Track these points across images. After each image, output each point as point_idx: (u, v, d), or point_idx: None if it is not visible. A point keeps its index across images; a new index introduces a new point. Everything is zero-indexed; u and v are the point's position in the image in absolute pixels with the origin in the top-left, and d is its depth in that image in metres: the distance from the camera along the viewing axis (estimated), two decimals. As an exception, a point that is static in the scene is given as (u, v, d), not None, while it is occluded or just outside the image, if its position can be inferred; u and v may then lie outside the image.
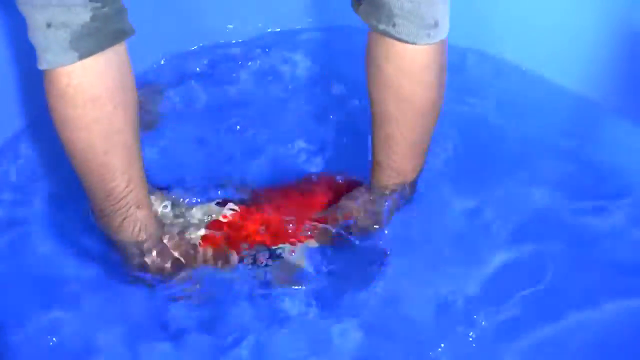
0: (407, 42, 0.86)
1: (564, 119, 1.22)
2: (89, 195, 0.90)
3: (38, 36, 0.81)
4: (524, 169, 1.12)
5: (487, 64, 1.25)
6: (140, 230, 0.92)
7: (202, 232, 0.99)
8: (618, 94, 1.19)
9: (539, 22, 1.20)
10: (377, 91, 0.92)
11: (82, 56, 0.81)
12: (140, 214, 0.91)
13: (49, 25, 0.80)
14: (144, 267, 0.95)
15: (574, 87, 1.21)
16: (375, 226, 1.01)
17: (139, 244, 0.93)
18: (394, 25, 0.85)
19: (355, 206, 1.01)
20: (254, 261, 0.99)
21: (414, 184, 1.01)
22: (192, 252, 0.98)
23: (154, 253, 0.94)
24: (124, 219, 0.90)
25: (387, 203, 1.00)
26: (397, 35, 0.86)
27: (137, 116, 0.88)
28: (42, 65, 0.82)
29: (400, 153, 0.96)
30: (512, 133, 1.17)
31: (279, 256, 1.00)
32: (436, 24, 0.85)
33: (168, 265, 0.95)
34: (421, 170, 1.00)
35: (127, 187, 0.89)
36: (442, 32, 0.86)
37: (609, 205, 1.09)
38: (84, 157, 0.87)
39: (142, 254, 0.94)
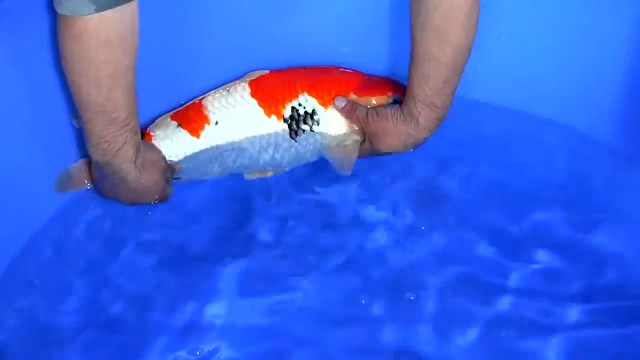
0: None
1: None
2: (88, 125, 1.00)
3: None
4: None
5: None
6: (137, 150, 1.04)
7: None
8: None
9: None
10: (421, 35, 1.05)
11: (99, 9, 0.90)
12: (137, 138, 1.04)
13: None
14: (138, 185, 1.07)
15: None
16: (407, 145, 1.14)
17: (135, 162, 1.05)
18: None
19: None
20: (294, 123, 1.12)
21: (439, 124, 1.12)
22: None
23: (148, 168, 1.07)
24: (125, 142, 1.02)
25: (421, 135, 1.11)
26: None
27: (136, 55, 0.98)
28: (60, 10, 0.91)
29: (434, 89, 1.07)
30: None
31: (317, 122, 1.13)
32: None
33: (158, 177, 1.09)
34: (447, 113, 1.11)
35: (127, 117, 1.01)
36: None
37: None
38: (90, 91, 0.97)
39: (138, 171, 1.06)
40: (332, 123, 1.14)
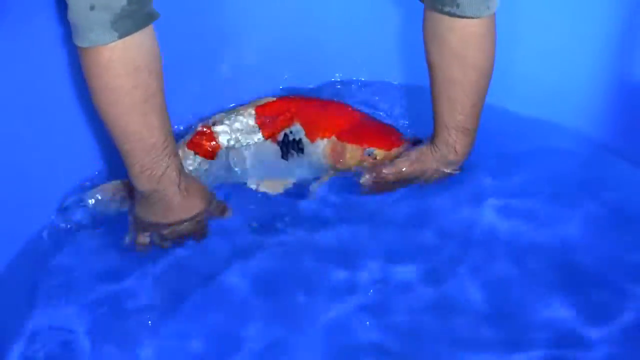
0: (471, 17, 0.98)
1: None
2: (129, 158, 1.01)
3: (81, 18, 0.92)
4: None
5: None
6: (179, 173, 1.04)
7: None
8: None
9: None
10: (441, 59, 1.04)
11: (122, 35, 0.93)
12: (177, 161, 1.04)
13: (92, 8, 0.91)
14: (182, 210, 1.06)
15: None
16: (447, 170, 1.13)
17: (179, 186, 1.04)
18: (457, 5, 0.97)
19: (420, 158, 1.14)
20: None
21: (472, 145, 1.12)
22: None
23: (193, 193, 1.07)
24: (167, 166, 1.02)
25: (458, 161, 1.12)
26: (461, 14, 0.98)
27: (163, 79, 1.00)
28: (83, 43, 0.93)
29: (464, 113, 1.07)
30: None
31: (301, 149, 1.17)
32: None
33: (202, 205, 1.09)
34: (476, 133, 1.11)
35: (164, 141, 1.01)
36: (496, 3, 0.99)
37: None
38: (126, 121, 0.98)
39: (182, 195, 1.05)
40: (313, 155, 1.18)
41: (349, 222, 1.13)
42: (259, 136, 1.18)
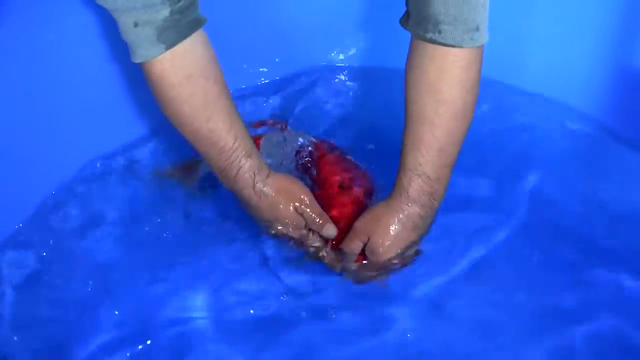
0: (452, 45, 0.94)
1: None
2: (206, 160, 1.03)
3: (129, 35, 0.94)
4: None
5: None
6: (254, 175, 1.03)
7: None
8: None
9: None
10: (416, 93, 0.98)
11: (169, 47, 0.94)
12: (251, 162, 1.02)
13: (135, 25, 0.93)
14: (262, 211, 1.04)
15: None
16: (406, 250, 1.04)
17: (254, 188, 1.03)
18: (439, 32, 0.93)
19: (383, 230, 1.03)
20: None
21: (435, 204, 1.02)
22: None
23: (270, 194, 1.04)
24: (239, 168, 1.02)
25: (414, 211, 1.01)
26: (443, 41, 0.93)
27: (225, 82, 1.01)
28: (137, 59, 0.96)
29: (428, 157, 0.98)
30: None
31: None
32: (477, 28, 0.93)
33: (282, 205, 1.04)
34: (444, 193, 1.02)
35: (234, 142, 1.01)
36: (483, 37, 0.94)
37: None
38: (192, 127, 1.00)
39: (258, 196, 1.03)
40: None
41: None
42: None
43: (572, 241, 1.12)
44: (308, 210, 1.04)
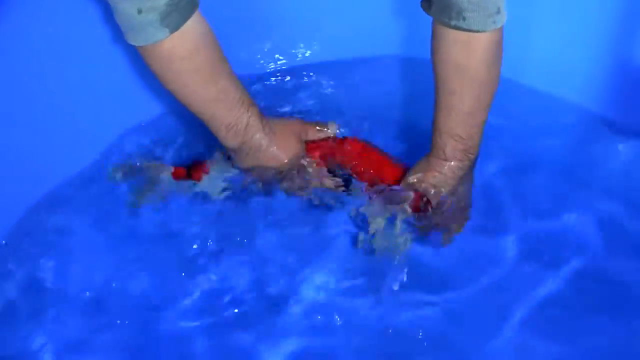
0: (476, 31, 0.97)
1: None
2: (214, 122, 1.07)
3: (131, 21, 0.95)
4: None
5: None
6: (261, 118, 1.09)
7: None
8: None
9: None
10: (442, 71, 1.03)
11: (173, 30, 0.97)
12: (255, 109, 1.09)
13: (139, 12, 0.94)
14: (276, 150, 1.10)
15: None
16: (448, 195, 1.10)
17: (264, 130, 1.09)
18: (464, 19, 0.96)
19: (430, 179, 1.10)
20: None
21: (471, 157, 1.09)
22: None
23: (279, 131, 1.11)
24: (249, 117, 1.07)
25: (453, 165, 1.08)
26: (467, 27, 0.97)
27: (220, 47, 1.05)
28: (138, 42, 0.98)
29: (459, 121, 1.05)
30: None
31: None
32: (498, 11, 0.97)
33: (291, 139, 1.12)
34: (478, 148, 1.09)
35: (240, 96, 1.07)
36: (503, 18, 0.98)
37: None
38: (202, 95, 1.04)
39: (269, 137, 1.10)
40: None
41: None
42: None
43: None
44: (310, 132, 1.14)
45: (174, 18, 0.96)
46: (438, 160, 1.08)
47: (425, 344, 1.02)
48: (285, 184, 1.12)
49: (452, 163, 1.08)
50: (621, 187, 1.17)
